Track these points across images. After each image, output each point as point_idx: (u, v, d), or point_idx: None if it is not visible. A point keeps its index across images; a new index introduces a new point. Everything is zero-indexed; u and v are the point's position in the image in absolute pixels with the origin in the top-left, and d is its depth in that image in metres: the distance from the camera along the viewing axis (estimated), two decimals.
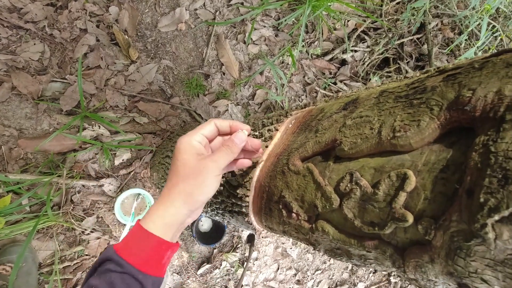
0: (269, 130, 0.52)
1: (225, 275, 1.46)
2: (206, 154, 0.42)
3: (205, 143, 0.43)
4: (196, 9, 1.40)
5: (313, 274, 1.74)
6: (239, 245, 1.49)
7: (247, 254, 1.50)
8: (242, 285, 0.84)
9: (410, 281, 0.32)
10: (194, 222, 1.31)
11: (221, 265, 1.44)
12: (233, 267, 1.47)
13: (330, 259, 1.82)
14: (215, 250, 1.44)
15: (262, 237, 1.57)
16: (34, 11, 1.09)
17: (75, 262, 1.14)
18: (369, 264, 0.35)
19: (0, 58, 1.03)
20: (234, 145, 0.42)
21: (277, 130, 0.51)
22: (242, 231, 1.50)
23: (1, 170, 1.02)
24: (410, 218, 0.26)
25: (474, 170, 0.22)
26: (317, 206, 0.38)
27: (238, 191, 0.56)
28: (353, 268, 1.91)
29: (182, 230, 0.43)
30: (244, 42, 1.50)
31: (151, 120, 1.29)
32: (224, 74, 1.45)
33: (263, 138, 0.53)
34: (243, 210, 0.58)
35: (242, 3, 1.48)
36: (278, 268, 1.62)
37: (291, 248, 1.66)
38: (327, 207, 0.36)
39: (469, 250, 0.21)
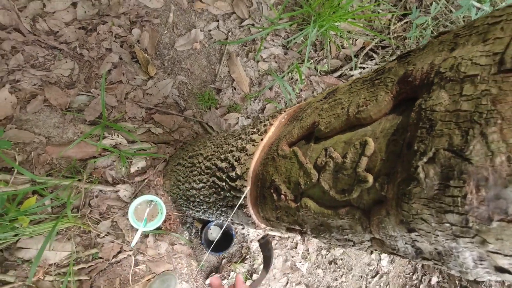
0: (264, 125, 0.58)
1: None
2: None
3: None
4: (210, 30, 1.52)
5: None
6: (247, 256, 1.50)
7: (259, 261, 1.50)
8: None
9: (381, 248, 0.35)
10: (203, 229, 1.35)
11: (229, 275, 1.45)
12: None
13: (341, 275, 1.78)
14: (224, 260, 1.46)
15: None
16: (68, 34, 1.23)
17: (89, 264, 1.19)
18: (346, 234, 0.38)
19: (36, 74, 1.17)
20: None
21: (271, 124, 0.56)
22: (251, 241, 1.51)
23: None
24: (370, 178, 0.30)
25: (412, 126, 0.26)
26: (300, 184, 0.42)
27: (236, 182, 0.61)
28: (367, 286, 1.84)
29: None
30: (255, 60, 1.59)
31: (165, 131, 1.37)
32: (235, 89, 1.53)
33: (259, 132, 0.58)
34: (242, 202, 0.62)
35: (253, 24, 1.59)
36: (288, 283, 1.59)
37: (300, 262, 1.64)
38: (308, 183, 0.40)
39: (410, 194, 0.25)
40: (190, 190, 1.01)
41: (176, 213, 1.37)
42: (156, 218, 1.28)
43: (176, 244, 1.37)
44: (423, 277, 2.11)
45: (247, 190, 0.58)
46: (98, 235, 1.21)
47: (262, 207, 0.56)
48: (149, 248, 1.31)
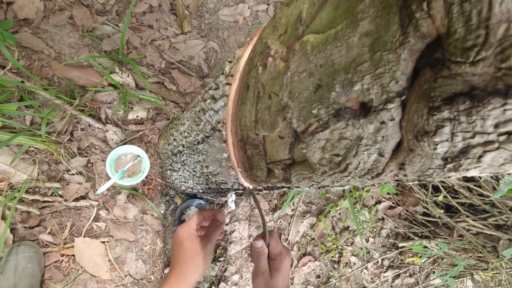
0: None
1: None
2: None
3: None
4: (258, 11, 1.45)
5: None
6: (221, 258, 1.26)
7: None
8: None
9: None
10: (181, 206, 1.16)
11: None
12: (206, 282, 1.23)
13: None
14: None
15: (251, 261, 1.32)
16: None
17: (45, 199, 1.04)
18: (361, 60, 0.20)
19: None
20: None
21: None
22: (230, 243, 1.28)
23: (24, 80, 1.03)
24: None
25: None
26: (301, 19, 0.25)
27: (219, 81, 0.45)
28: None
29: None
30: None
31: (179, 90, 1.26)
32: None
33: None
34: (221, 116, 0.45)
35: None
36: None
37: None
38: (315, 3, 0.23)
39: None
40: (176, 139, 0.86)
41: (159, 180, 1.21)
42: (136, 176, 1.13)
43: (147, 214, 1.19)
44: None
45: (233, 87, 0.41)
46: (67, 170, 1.08)
47: (242, 111, 0.39)
48: (117, 207, 1.14)
